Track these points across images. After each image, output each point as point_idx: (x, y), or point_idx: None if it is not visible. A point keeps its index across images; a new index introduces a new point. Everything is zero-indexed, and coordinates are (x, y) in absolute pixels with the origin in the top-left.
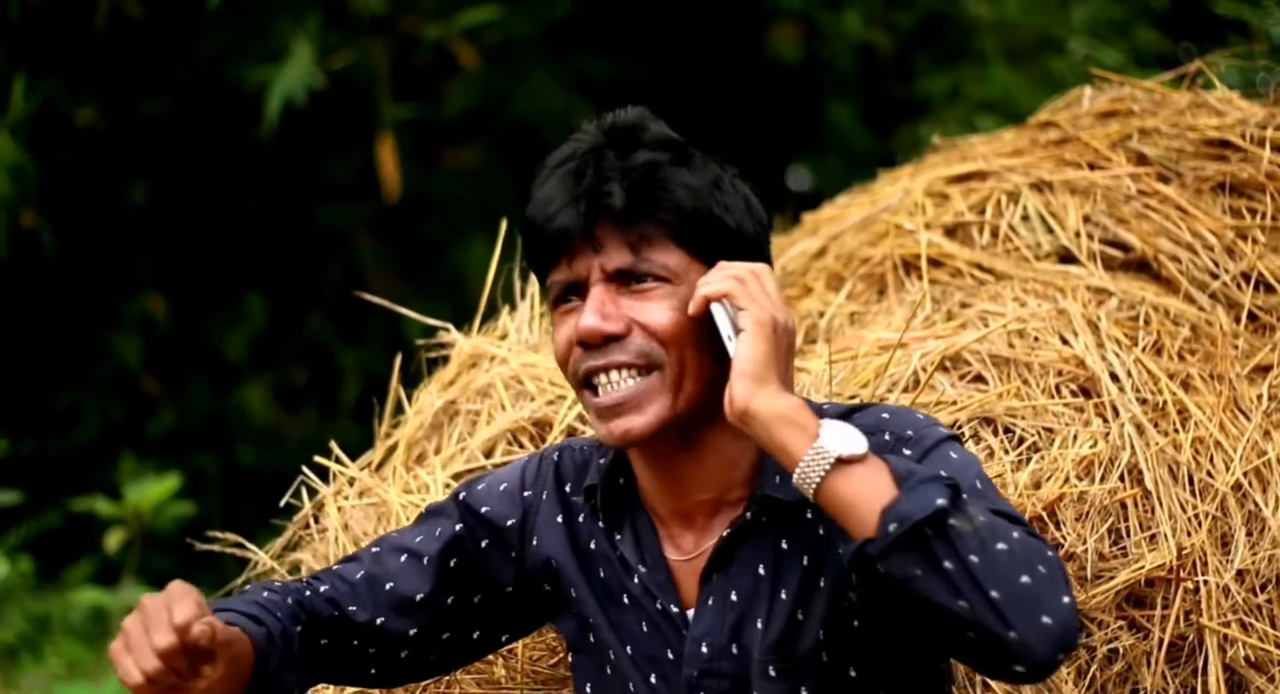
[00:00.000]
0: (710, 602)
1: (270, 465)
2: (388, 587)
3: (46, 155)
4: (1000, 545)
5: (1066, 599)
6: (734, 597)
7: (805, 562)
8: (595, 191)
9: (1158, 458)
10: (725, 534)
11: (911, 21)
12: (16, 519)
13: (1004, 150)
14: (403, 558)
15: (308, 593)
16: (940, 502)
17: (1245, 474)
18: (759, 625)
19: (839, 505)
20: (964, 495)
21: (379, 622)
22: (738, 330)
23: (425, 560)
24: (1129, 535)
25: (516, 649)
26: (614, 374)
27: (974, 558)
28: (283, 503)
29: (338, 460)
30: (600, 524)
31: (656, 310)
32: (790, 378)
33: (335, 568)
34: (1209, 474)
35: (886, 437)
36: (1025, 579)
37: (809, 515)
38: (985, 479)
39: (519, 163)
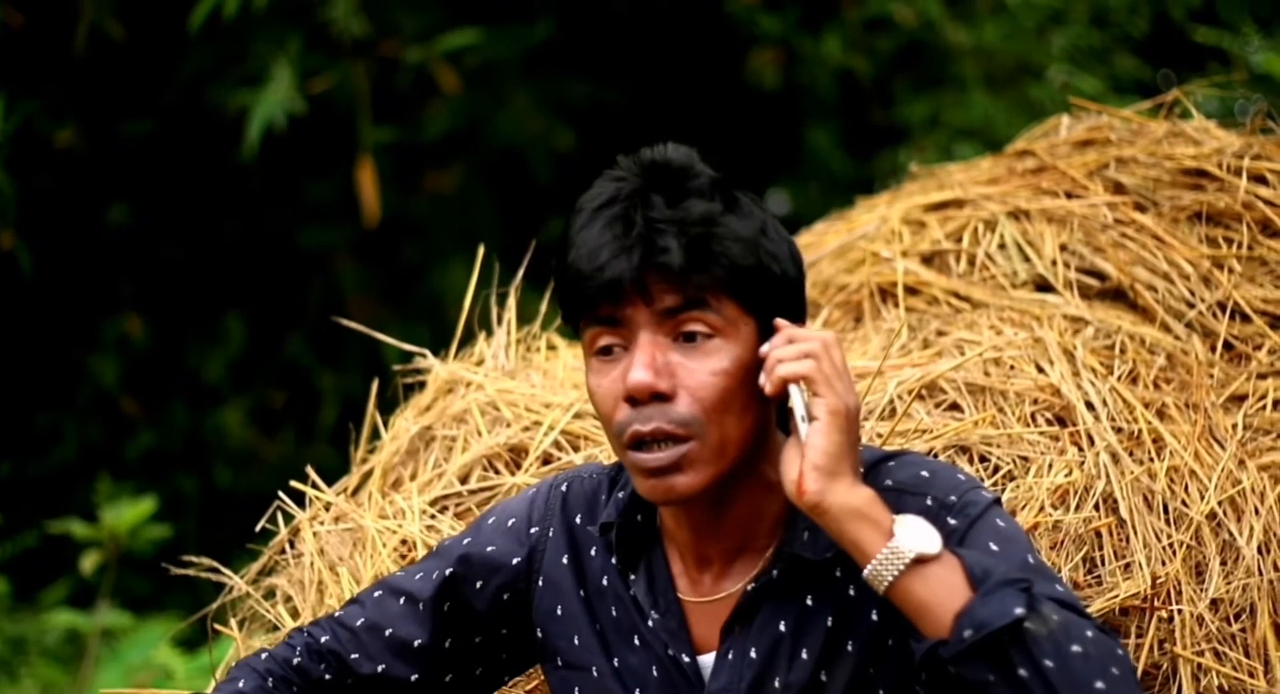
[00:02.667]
0: (730, 656)
1: (247, 488)
2: (388, 633)
3: (26, 176)
4: (1075, 648)
5: None
6: (753, 654)
7: (830, 621)
8: (650, 243)
9: (1133, 487)
10: (749, 588)
11: (891, 47)
12: None
13: (981, 178)
14: (401, 602)
15: (296, 660)
16: (1018, 611)
17: (1220, 503)
18: (777, 684)
19: (912, 605)
20: (1036, 595)
21: (380, 669)
22: (811, 415)
23: (421, 606)
24: (1104, 564)
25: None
26: (659, 444)
27: (1049, 662)
28: (259, 528)
29: (314, 485)
30: (614, 560)
31: (704, 373)
32: (858, 463)
33: (338, 613)
34: (1184, 503)
35: (929, 501)
36: (1100, 685)
37: (838, 573)
38: (1035, 553)
39: (499, 186)
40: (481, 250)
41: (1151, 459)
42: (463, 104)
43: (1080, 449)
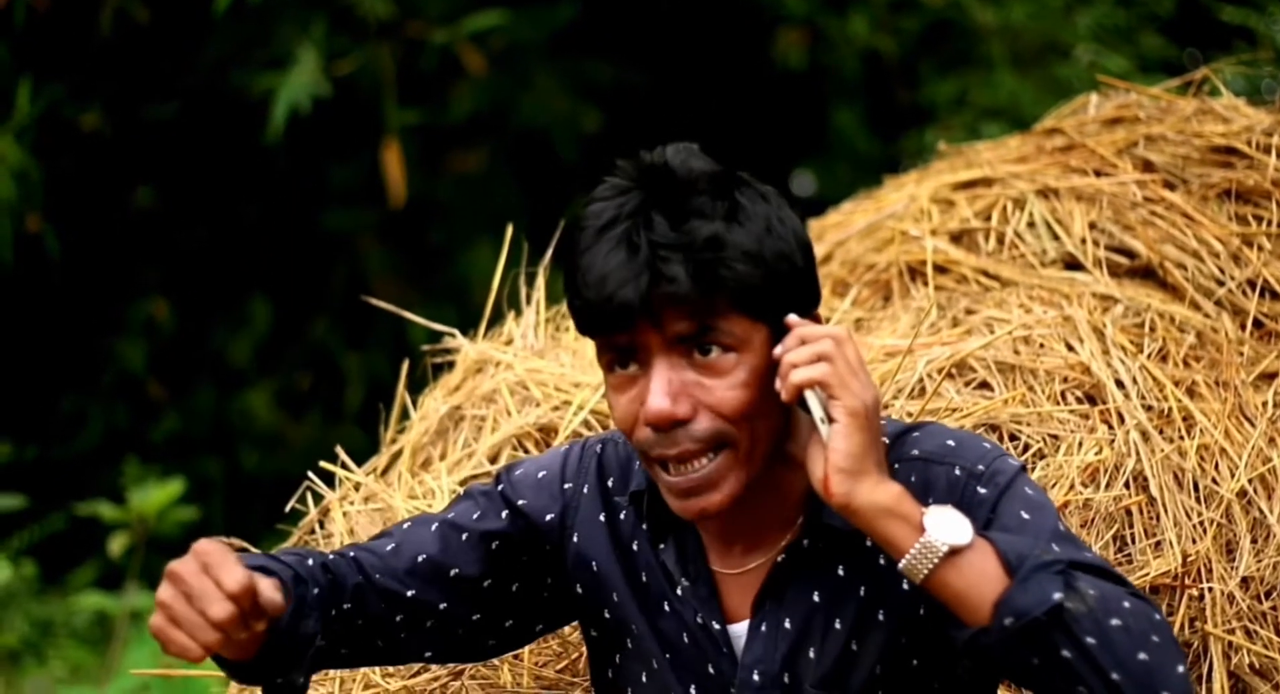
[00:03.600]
0: (763, 628)
1: (274, 471)
2: (420, 558)
3: (51, 160)
4: (1115, 622)
5: (1181, 669)
6: (787, 624)
7: (862, 592)
8: (655, 270)
9: (1163, 465)
10: (780, 559)
11: (917, 27)
12: (20, 523)
13: (1009, 157)
14: (438, 530)
15: (331, 557)
16: (1056, 596)
17: (1250, 481)
18: (811, 655)
19: (949, 595)
20: (1073, 574)
21: (409, 593)
22: (830, 417)
23: (465, 537)
24: (1134, 542)
25: (523, 654)
26: (688, 462)
27: (1091, 640)
28: (288, 508)
29: (343, 466)
30: (645, 527)
31: (724, 389)
32: (883, 457)
33: (364, 543)
34: (1214, 481)
35: (957, 471)
36: (1142, 656)
37: (869, 544)
38: (1063, 521)
39: (525, 168)
40: (510, 230)
41: (1182, 437)
42: (488, 85)
43: (1110, 427)
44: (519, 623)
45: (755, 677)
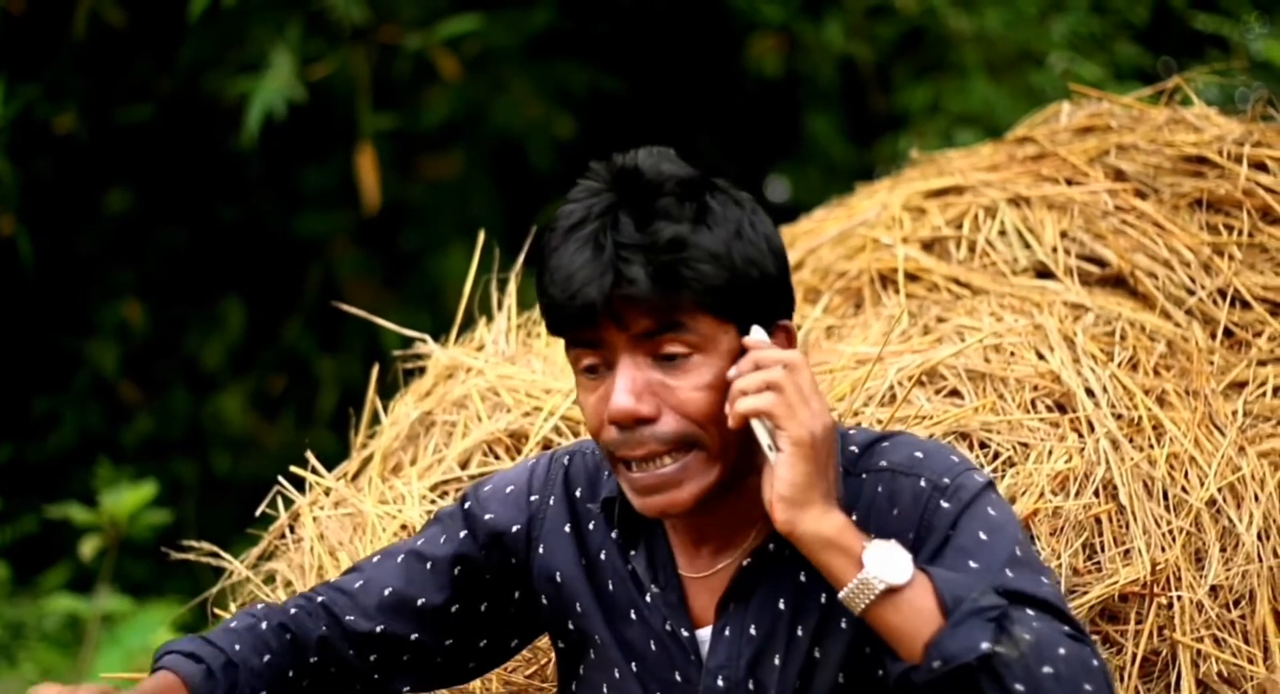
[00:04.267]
0: (727, 632)
1: (247, 474)
2: (387, 592)
3: (26, 162)
4: (1046, 669)
5: None
6: (753, 630)
7: (824, 599)
8: (616, 271)
9: (1132, 473)
10: (745, 564)
11: (892, 34)
12: None
13: (981, 165)
14: (403, 561)
15: (293, 611)
16: (984, 646)
17: (1220, 490)
18: (776, 662)
19: (884, 629)
20: (1010, 617)
21: (379, 629)
22: (776, 446)
23: (430, 566)
24: (1103, 550)
25: None
26: (652, 462)
27: (1020, 686)
28: (259, 512)
29: (314, 470)
30: (614, 536)
31: (688, 390)
32: (834, 483)
33: (334, 581)
34: (1183, 490)
35: (922, 482)
36: None
37: None
38: (1023, 542)
39: (498, 173)
40: (482, 236)
41: (1151, 446)
42: (462, 91)
43: (1080, 435)
44: (493, 641)
45: (719, 682)
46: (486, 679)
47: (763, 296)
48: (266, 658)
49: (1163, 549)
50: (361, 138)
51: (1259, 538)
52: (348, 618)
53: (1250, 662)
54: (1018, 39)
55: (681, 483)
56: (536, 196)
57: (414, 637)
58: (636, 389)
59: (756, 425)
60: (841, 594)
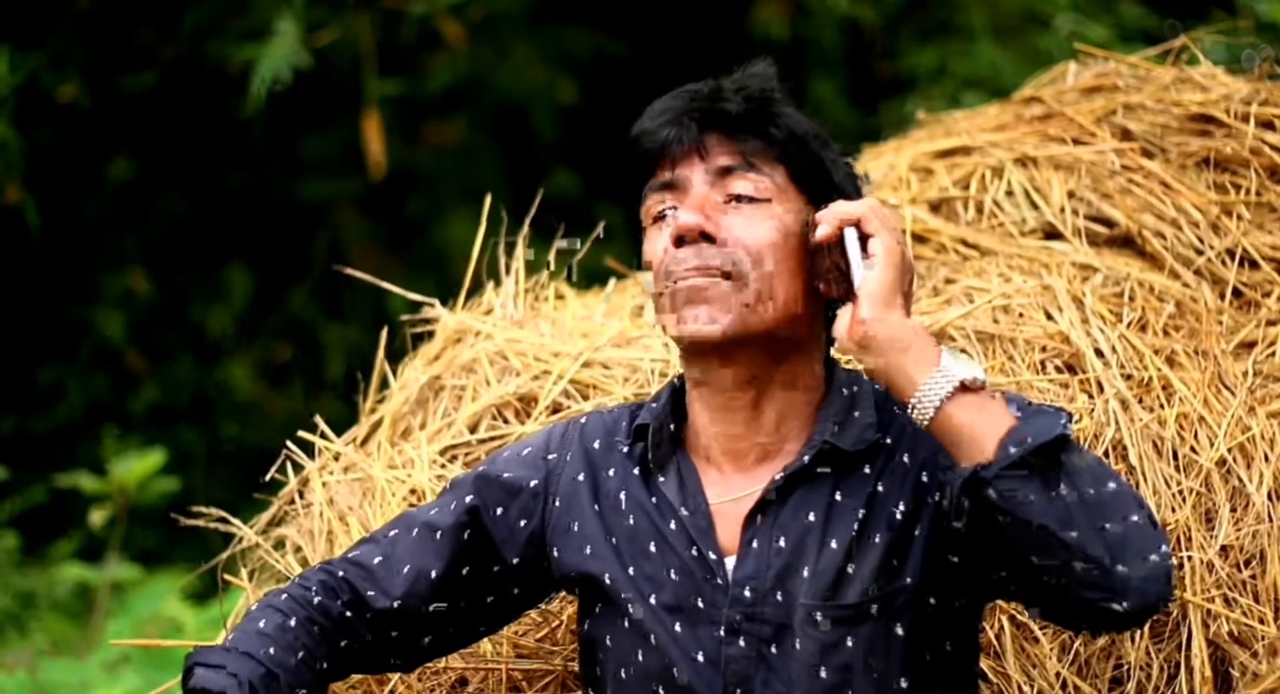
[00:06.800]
0: (754, 545)
1: (254, 441)
2: (405, 568)
3: (30, 130)
4: (1111, 485)
5: (1165, 548)
6: (781, 542)
7: (860, 514)
8: (710, 102)
9: (1142, 434)
10: (778, 477)
11: None
12: (1, 495)
13: (988, 125)
14: (417, 534)
15: (317, 600)
16: (1061, 427)
17: (1229, 450)
18: (805, 573)
19: (955, 429)
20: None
21: (397, 605)
22: (867, 254)
23: (439, 534)
24: None
25: None
26: (701, 275)
27: (1090, 491)
28: (267, 478)
29: (322, 435)
30: (636, 472)
31: (749, 226)
32: (910, 308)
33: (353, 553)
34: (1193, 450)
35: None
36: (1134, 519)
37: (867, 470)
38: None
39: (503, 138)
40: (489, 200)
41: (1161, 406)
42: (466, 56)
43: (1090, 396)
44: (501, 600)
45: (746, 592)
46: (497, 642)
47: (837, 183)
48: (300, 655)
49: (1173, 510)
50: (367, 104)
51: (1269, 498)
52: (368, 593)
53: (1261, 621)
54: (1023, 1)
55: (715, 303)
56: (541, 163)
57: (430, 608)
58: (705, 210)
59: (849, 236)
60: (915, 397)
